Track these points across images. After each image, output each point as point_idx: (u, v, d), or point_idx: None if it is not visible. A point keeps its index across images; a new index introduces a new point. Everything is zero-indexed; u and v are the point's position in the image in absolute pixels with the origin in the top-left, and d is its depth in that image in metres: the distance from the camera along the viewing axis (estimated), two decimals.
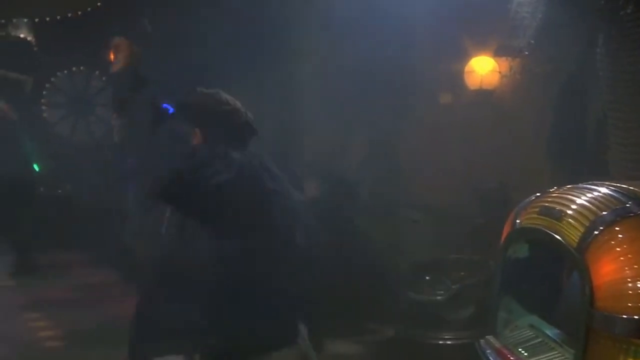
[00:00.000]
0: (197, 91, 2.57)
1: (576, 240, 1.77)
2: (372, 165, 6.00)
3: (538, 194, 2.16)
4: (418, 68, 5.44)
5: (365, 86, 5.63)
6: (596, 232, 1.73)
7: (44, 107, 8.63)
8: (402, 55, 5.38)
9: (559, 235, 1.84)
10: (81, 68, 8.76)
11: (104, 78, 8.78)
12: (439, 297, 4.07)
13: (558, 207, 1.91)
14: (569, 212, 1.86)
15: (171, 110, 2.68)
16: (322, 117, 6.39)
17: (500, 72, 5.34)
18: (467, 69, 5.44)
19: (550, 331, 2.06)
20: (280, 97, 7.16)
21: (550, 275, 2.16)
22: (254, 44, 6.72)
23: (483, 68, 5.38)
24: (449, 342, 4.03)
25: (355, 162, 6.13)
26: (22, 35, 8.12)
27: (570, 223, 1.82)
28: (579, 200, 1.88)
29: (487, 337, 2.22)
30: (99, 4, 8.01)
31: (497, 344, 2.14)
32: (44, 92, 8.71)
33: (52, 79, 8.72)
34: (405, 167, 5.81)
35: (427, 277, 4.29)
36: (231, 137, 2.42)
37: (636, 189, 1.85)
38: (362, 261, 5.23)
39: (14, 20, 7.98)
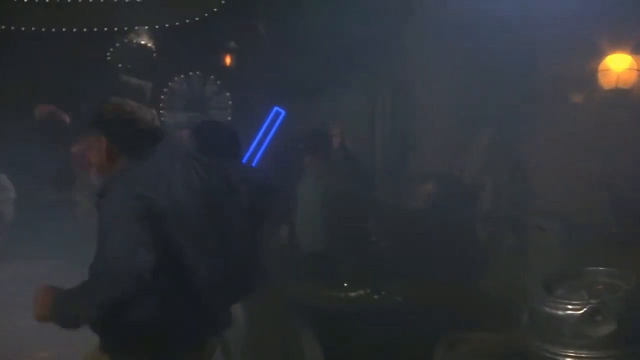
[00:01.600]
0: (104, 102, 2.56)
1: None
2: (494, 168, 5.75)
3: None
4: (547, 66, 5.16)
5: (489, 85, 5.41)
6: None
7: (162, 111, 8.87)
8: (530, 53, 5.12)
9: None
10: (197, 73, 8.94)
11: (218, 82, 8.96)
12: (576, 312, 3.79)
13: None
14: None
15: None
16: (441, 117, 6.21)
17: (638, 70, 4.98)
18: (601, 67, 5.11)
19: None
20: (398, 98, 7.04)
21: None
22: (371, 44, 6.63)
23: (619, 66, 5.03)
24: None
25: (476, 165, 5.90)
26: (142, 42, 8.38)
27: None
28: None
29: None
30: (215, 9, 8.16)
31: None
32: (162, 97, 8.95)
33: (170, 84, 8.95)
34: (531, 170, 5.52)
35: (561, 290, 4.01)
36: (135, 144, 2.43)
37: None
38: (485, 269, 5.02)
39: (136, 28, 8.24)
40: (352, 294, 3.87)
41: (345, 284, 3.96)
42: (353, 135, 8.16)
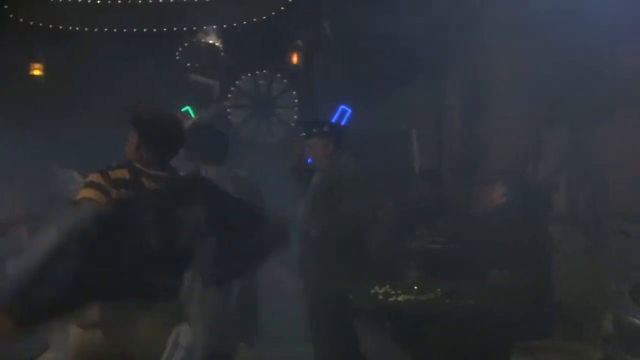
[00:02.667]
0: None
1: None
2: (569, 167, 5.51)
3: None
4: (627, 63, 4.90)
5: (565, 82, 5.20)
6: None
7: (229, 110, 8.95)
8: (609, 49, 4.88)
9: None
10: (264, 71, 8.99)
11: (285, 80, 8.98)
12: None
13: None
14: None
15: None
16: (513, 116, 6.02)
17: None
18: None
19: None
20: (468, 96, 6.88)
21: None
22: (440, 42, 6.50)
23: None
24: None
25: (550, 164, 5.69)
26: (210, 41, 8.47)
27: None
28: None
29: None
30: (282, 8, 8.17)
31: None
32: (229, 95, 9.03)
33: (237, 82, 9.02)
34: (610, 170, 5.26)
35: None
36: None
37: None
38: (560, 274, 4.82)
39: (204, 27, 8.33)
40: (422, 297, 3.76)
41: (415, 287, 3.85)
42: (419, 134, 8.07)
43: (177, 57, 8.52)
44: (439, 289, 3.84)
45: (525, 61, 5.70)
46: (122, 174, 2.70)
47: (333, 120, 8.09)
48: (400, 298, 3.72)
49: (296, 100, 8.99)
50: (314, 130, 4.33)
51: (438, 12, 6.25)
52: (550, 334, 4.27)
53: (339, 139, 4.33)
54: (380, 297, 3.78)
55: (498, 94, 6.45)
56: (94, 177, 2.66)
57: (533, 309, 4.13)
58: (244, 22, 8.33)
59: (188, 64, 8.59)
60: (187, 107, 8.20)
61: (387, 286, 3.87)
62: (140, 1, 8.07)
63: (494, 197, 4.99)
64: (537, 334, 3.96)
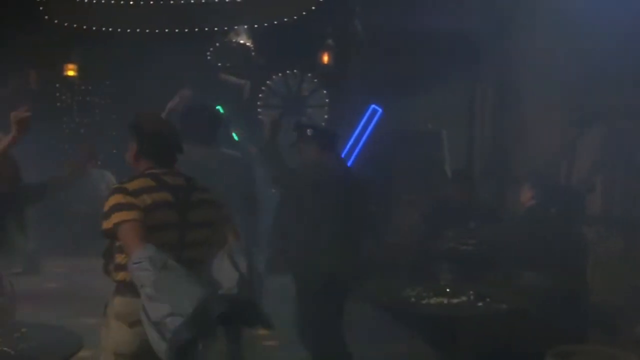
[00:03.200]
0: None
1: None
2: (606, 168, 5.43)
3: None
4: None
5: (601, 82, 5.12)
6: None
7: (259, 109, 8.99)
8: None
9: None
10: (295, 71, 9.01)
11: (315, 80, 8.99)
12: None
13: None
14: None
15: None
16: (547, 116, 5.94)
17: None
18: None
19: None
20: (500, 96, 6.81)
21: None
22: (472, 41, 6.45)
23: None
24: None
25: (586, 165, 5.60)
26: (241, 41, 8.51)
27: None
28: None
29: None
30: (312, 8, 8.18)
31: None
32: (260, 95, 9.06)
33: (268, 82, 9.05)
34: None
35: None
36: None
37: None
38: (595, 276, 4.75)
39: (236, 28, 8.37)
40: (455, 300, 3.72)
41: (447, 290, 3.82)
42: (450, 134, 8.01)
43: (208, 57, 8.58)
44: (471, 292, 3.79)
45: (559, 62, 5.62)
46: (140, 183, 2.69)
47: (361, 121, 8.10)
48: (432, 301, 3.69)
49: (327, 100, 9.00)
50: (302, 133, 4.28)
51: (471, 12, 6.19)
52: (584, 338, 4.20)
53: (326, 143, 4.22)
54: (412, 299, 3.76)
55: (530, 95, 6.38)
56: (115, 200, 2.62)
57: (567, 313, 4.07)
58: (275, 22, 8.36)
59: (219, 64, 8.65)
60: (219, 107, 8.27)
61: (419, 288, 3.84)
62: (172, 2, 8.14)
63: (525, 198, 4.93)
64: (571, 338, 3.90)
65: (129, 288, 2.53)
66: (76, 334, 3.02)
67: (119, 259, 2.63)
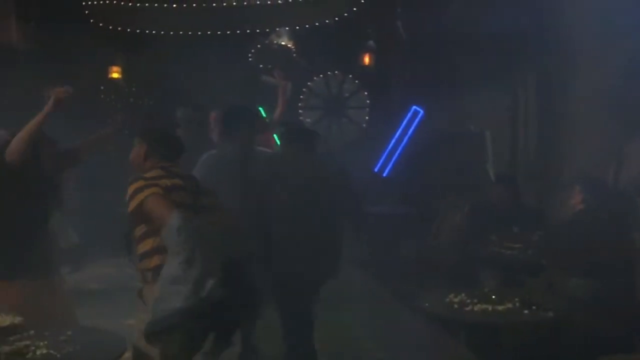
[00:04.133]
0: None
1: None
2: None
3: None
4: None
5: None
6: None
7: (300, 111, 9.00)
8: None
9: None
10: (336, 72, 9.00)
11: (356, 81, 8.96)
12: None
13: None
14: None
15: None
16: (594, 117, 5.81)
17: None
18: None
19: None
20: (545, 97, 6.69)
21: None
22: (516, 41, 6.34)
23: None
24: None
25: (635, 168, 5.45)
26: (283, 43, 8.52)
27: None
28: None
29: None
30: (354, 9, 8.16)
31: None
32: (301, 96, 9.07)
33: (309, 83, 9.06)
34: None
35: None
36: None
37: None
38: None
39: (277, 29, 8.39)
40: (500, 307, 3.64)
41: (493, 296, 3.74)
42: (493, 137, 7.89)
43: (250, 59, 8.61)
44: (516, 299, 3.71)
45: (607, 65, 5.50)
46: (154, 174, 2.96)
47: (402, 122, 8.04)
48: (476, 307, 3.62)
49: (367, 101, 8.97)
50: (285, 134, 4.44)
51: (516, 13, 6.09)
52: (635, 348, 4.08)
53: (308, 143, 4.24)
54: (456, 306, 3.69)
55: (576, 97, 6.25)
56: (137, 185, 2.87)
57: (616, 321, 3.96)
58: (316, 24, 8.36)
59: (260, 65, 8.67)
60: (260, 108, 8.30)
61: (463, 295, 3.77)
62: (214, 5, 8.20)
63: (573, 202, 4.81)
64: (620, 348, 3.79)
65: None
66: (120, 336, 3.05)
67: (149, 244, 2.80)
